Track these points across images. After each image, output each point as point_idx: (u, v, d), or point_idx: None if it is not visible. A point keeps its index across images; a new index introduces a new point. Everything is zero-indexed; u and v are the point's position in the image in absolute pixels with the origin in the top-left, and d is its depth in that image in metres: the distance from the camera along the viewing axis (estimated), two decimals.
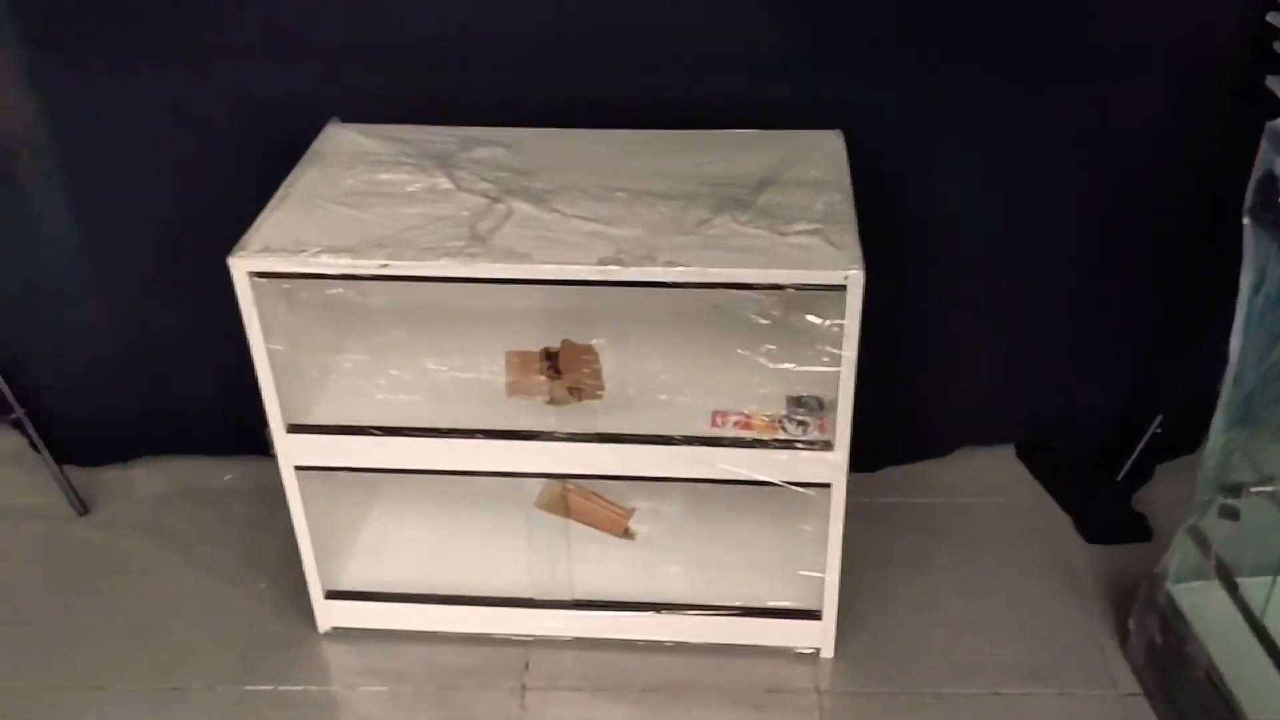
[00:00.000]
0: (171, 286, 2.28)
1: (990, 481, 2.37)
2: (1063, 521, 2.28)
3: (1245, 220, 1.52)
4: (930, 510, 2.31)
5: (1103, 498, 2.26)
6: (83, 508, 2.37)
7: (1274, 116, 1.49)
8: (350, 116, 2.05)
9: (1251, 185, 1.50)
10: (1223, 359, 2.12)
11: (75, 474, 2.40)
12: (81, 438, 2.45)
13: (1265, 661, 1.61)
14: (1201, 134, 1.99)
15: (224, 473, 2.44)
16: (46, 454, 2.34)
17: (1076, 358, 2.28)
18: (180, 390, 2.42)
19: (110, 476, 2.47)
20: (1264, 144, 1.47)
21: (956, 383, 2.31)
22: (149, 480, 2.46)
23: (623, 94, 2.02)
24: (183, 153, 2.15)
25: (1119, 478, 2.25)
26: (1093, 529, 2.23)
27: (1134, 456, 2.22)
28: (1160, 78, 1.95)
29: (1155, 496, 2.29)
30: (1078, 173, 2.06)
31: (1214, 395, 2.17)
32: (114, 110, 2.10)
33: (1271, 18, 1.67)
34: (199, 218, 2.20)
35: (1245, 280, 1.55)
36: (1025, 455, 2.40)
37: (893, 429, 2.10)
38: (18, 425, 2.37)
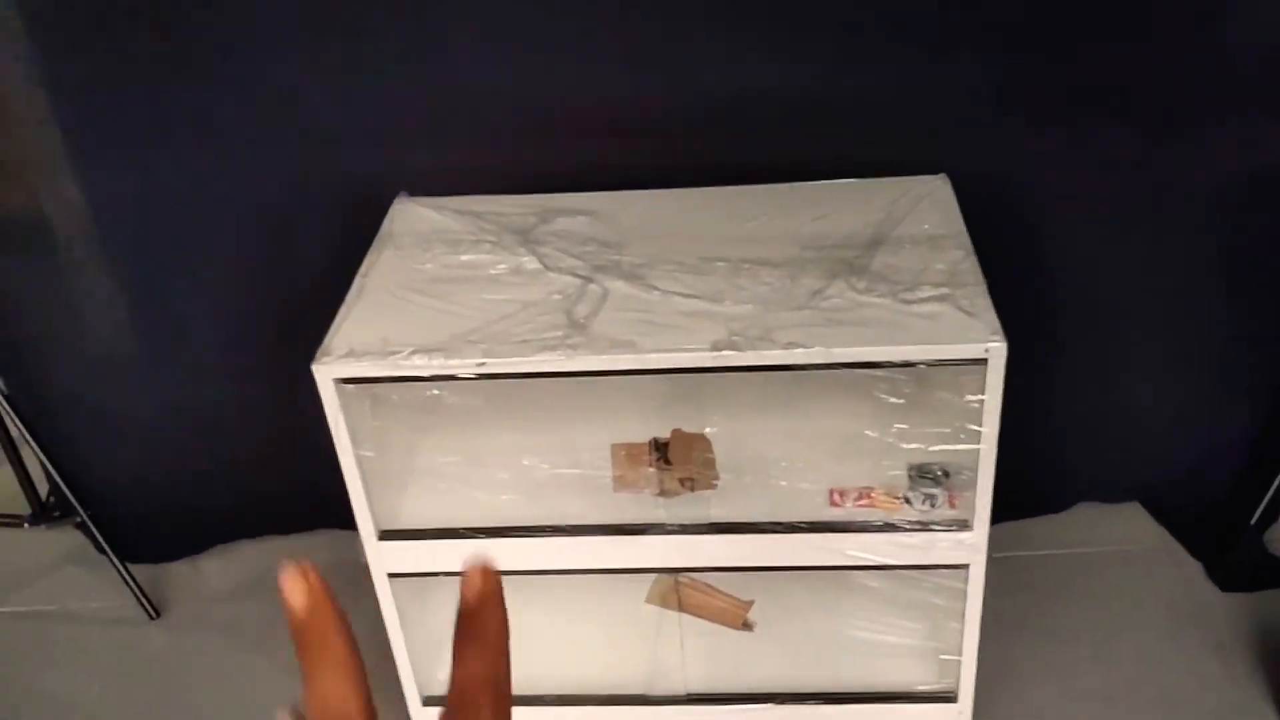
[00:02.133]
0: (235, 374, 2.17)
1: (1116, 533, 2.23)
2: (1193, 569, 2.15)
3: None
4: (1052, 563, 2.18)
5: (1235, 542, 2.12)
6: (155, 611, 2.25)
7: None
8: (418, 190, 1.93)
9: None
10: None
11: (143, 571, 2.29)
12: (146, 533, 2.34)
13: None
14: None
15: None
16: (114, 558, 2.22)
17: (1204, 407, 2.13)
18: (248, 472, 2.31)
19: (179, 570, 2.36)
20: None
21: (1076, 438, 2.16)
22: (221, 574, 2.35)
23: (699, 151, 1.89)
24: (245, 234, 2.04)
25: (1253, 521, 2.11)
26: (1228, 576, 2.09)
27: (1269, 496, 2.07)
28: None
29: None
30: (1199, 222, 1.92)
31: None
32: (168, 193, 1.99)
33: None
34: (265, 302, 2.10)
35: None
36: (1149, 503, 2.25)
37: (1009, 486, 1.96)
38: (82, 528, 2.26)
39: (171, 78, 1.87)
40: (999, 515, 2.20)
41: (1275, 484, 2.08)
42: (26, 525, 2.34)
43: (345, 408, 1.59)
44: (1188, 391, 2.12)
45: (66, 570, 2.39)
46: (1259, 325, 2.04)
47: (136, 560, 2.30)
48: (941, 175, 1.84)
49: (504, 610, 0.48)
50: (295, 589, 0.45)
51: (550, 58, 1.86)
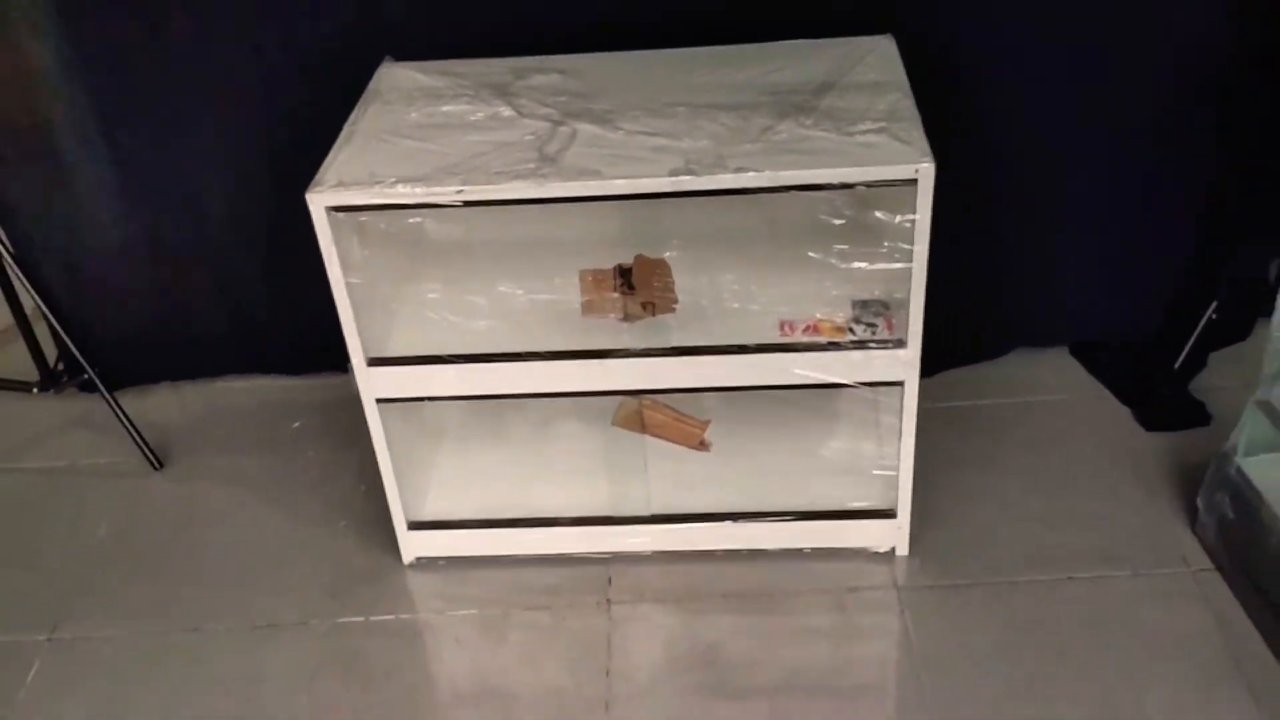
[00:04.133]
0: (230, 227, 2.34)
1: (1048, 381, 2.41)
2: (1122, 414, 2.32)
3: None
4: (992, 411, 2.35)
5: (1160, 387, 2.30)
6: (158, 462, 2.41)
7: None
8: (402, 55, 2.08)
9: None
10: (1272, 245, 2.16)
11: (138, 410, 2.46)
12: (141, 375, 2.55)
13: None
14: (1247, 23, 2.00)
15: (294, 409, 2.50)
16: (118, 408, 2.38)
17: (1129, 256, 2.31)
18: (245, 317, 2.52)
19: (181, 425, 2.52)
20: None
21: (1010, 285, 2.34)
22: (219, 426, 2.51)
23: (667, 13, 2.04)
24: (238, 97, 2.19)
25: (1175, 367, 2.29)
26: (1153, 418, 2.27)
27: (1190, 344, 2.25)
28: None
29: (1211, 384, 2.33)
30: (1126, 71, 2.08)
31: (1263, 282, 2.21)
32: (157, 58, 2.15)
33: None
34: (260, 154, 2.25)
35: None
36: (1080, 354, 2.43)
37: (947, 333, 2.12)
38: (89, 385, 2.42)
39: None
40: (940, 364, 2.40)
41: (1195, 332, 2.25)
42: (35, 391, 2.50)
43: (336, 237, 1.75)
44: (1114, 243, 2.29)
45: (74, 432, 2.54)
46: (1185, 178, 2.21)
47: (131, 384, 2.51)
48: (888, 35, 2.00)
49: None
50: None
51: None
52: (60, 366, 2.52)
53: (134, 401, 2.48)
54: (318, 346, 2.39)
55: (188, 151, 2.28)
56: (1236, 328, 2.29)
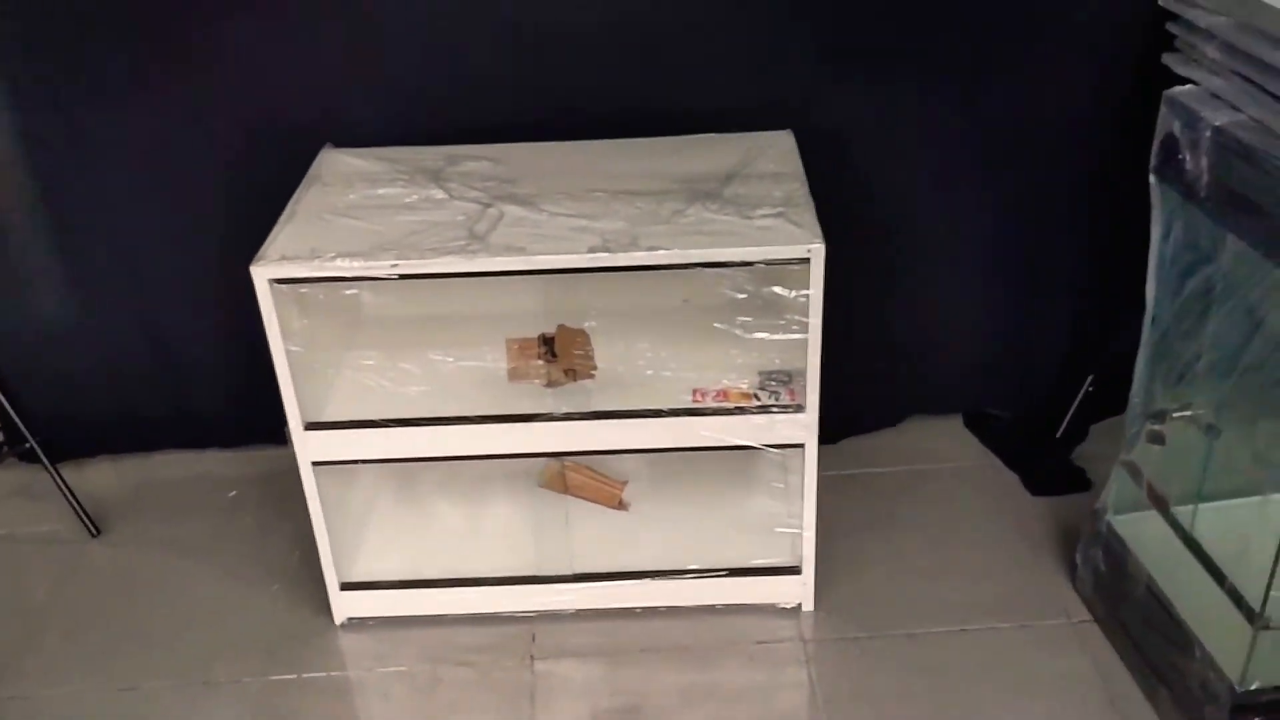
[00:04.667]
0: (171, 304, 2.46)
1: (941, 448, 2.59)
2: (1010, 480, 2.50)
3: (1151, 178, 1.76)
4: (890, 478, 2.52)
5: (1045, 455, 2.48)
6: (95, 529, 2.49)
7: (1170, 87, 1.73)
8: (341, 142, 2.24)
9: (1155, 147, 1.74)
10: (1139, 324, 2.36)
11: (76, 480, 2.53)
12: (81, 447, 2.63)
13: (1196, 568, 1.83)
14: (1113, 114, 2.24)
15: (229, 480, 2.59)
16: (57, 475, 2.46)
17: (1014, 331, 2.52)
18: (185, 390, 2.61)
19: (118, 495, 2.59)
20: (1163, 109, 1.71)
21: (905, 359, 2.53)
22: (157, 496, 2.59)
23: (591, 109, 2.23)
24: (184, 180, 2.33)
25: (1058, 435, 2.48)
26: (1037, 483, 2.45)
27: (1070, 414, 2.45)
28: (1074, 66, 2.21)
29: (1091, 452, 2.52)
30: (1007, 160, 2.31)
31: (1134, 357, 2.41)
32: (110, 140, 2.28)
33: (1164, 2, 1.89)
34: (207, 234, 2.38)
35: (1155, 231, 1.78)
36: (971, 424, 2.62)
37: (848, 403, 2.29)
38: (29, 455, 2.49)
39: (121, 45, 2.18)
40: (842, 432, 2.56)
41: (1075, 403, 2.45)
42: None
43: (278, 307, 1.88)
44: (999, 318, 2.49)
45: (12, 501, 2.61)
46: (1062, 262, 2.42)
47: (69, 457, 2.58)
48: (787, 130, 2.20)
49: None
50: None
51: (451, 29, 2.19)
52: None
53: (72, 473, 2.55)
54: (254, 420, 2.52)
55: (131, 230, 2.40)
56: (1112, 401, 2.49)
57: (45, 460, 2.45)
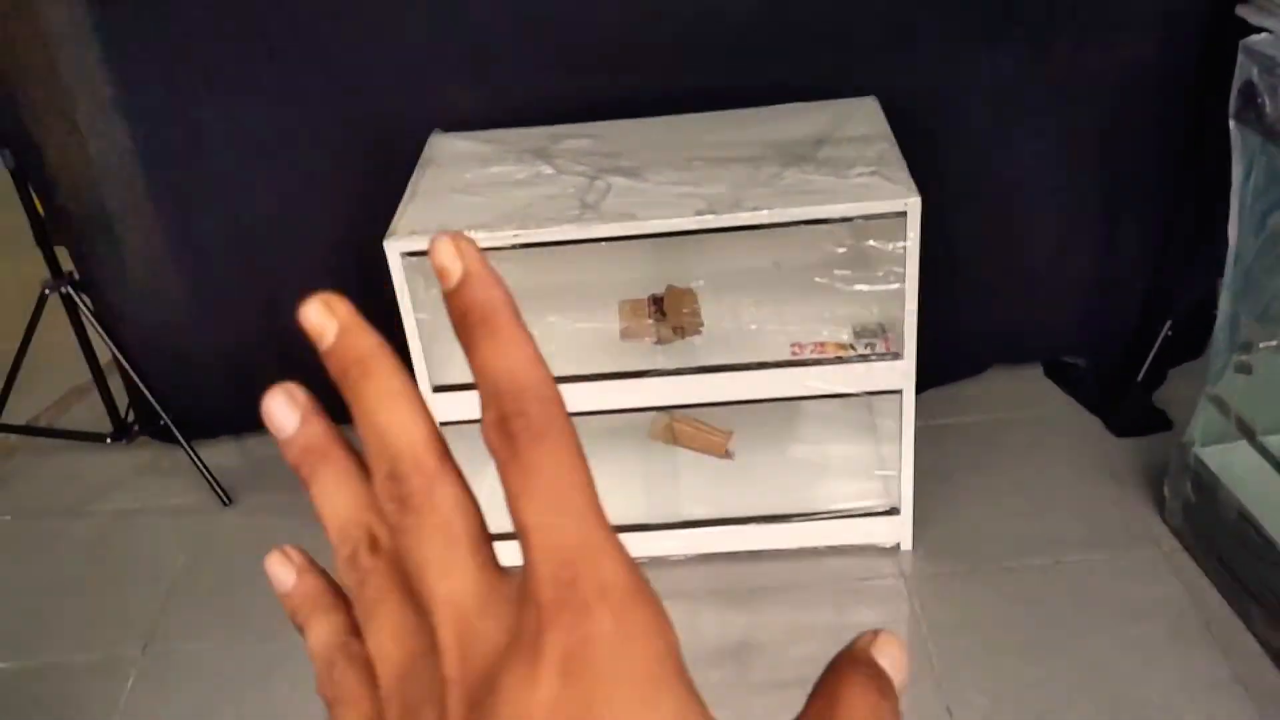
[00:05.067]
0: (288, 289, 2.59)
1: (1024, 397, 2.69)
2: (1093, 424, 2.60)
3: (1231, 123, 1.86)
4: (976, 426, 2.63)
5: (1126, 398, 2.58)
6: (228, 499, 2.65)
7: (1246, 36, 1.82)
8: (448, 128, 2.38)
9: (1234, 93, 1.83)
10: (1216, 270, 2.46)
11: (206, 458, 2.69)
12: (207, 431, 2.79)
13: None
14: (1185, 64, 2.33)
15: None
16: (190, 449, 2.63)
17: (1092, 281, 2.62)
18: (300, 371, 2.72)
19: (244, 470, 2.76)
20: (1240, 58, 1.81)
21: (986, 310, 2.64)
22: (280, 469, 2.74)
23: (683, 85, 2.35)
24: (296, 168, 2.48)
25: (1139, 380, 2.57)
26: (1121, 425, 2.55)
27: (1150, 358, 2.54)
28: (1147, 17, 2.30)
29: (1170, 396, 2.61)
30: (1085, 112, 2.40)
31: (1211, 304, 2.51)
32: (225, 134, 2.43)
33: None
34: (320, 220, 2.52)
35: (1237, 173, 1.88)
36: (1051, 372, 2.72)
37: (933, 355, 2.40)
38: (160, 433, 2.66)
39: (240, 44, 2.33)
40: (928, 383, 2.67)
41: (1155, 346, 2.55)
42: (109, 441, 2.75)
43: (408, 279, 2.02)
44: (1079, 264, 2.59)
45: (146, 477, 2.78)
46: (1139, 210, 2.52)
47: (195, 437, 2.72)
48: (872, 96, 2.31)
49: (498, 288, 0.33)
50: (322, 320, 0.35)
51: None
52: (130, 418, 2.77)
53: (199, 450, 2.71)
54: None
55: (248, 219, 2.55)
56: (1190, 345, 2.59)
57: (179, 435, 2.62)
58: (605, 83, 2.38)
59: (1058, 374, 2.72)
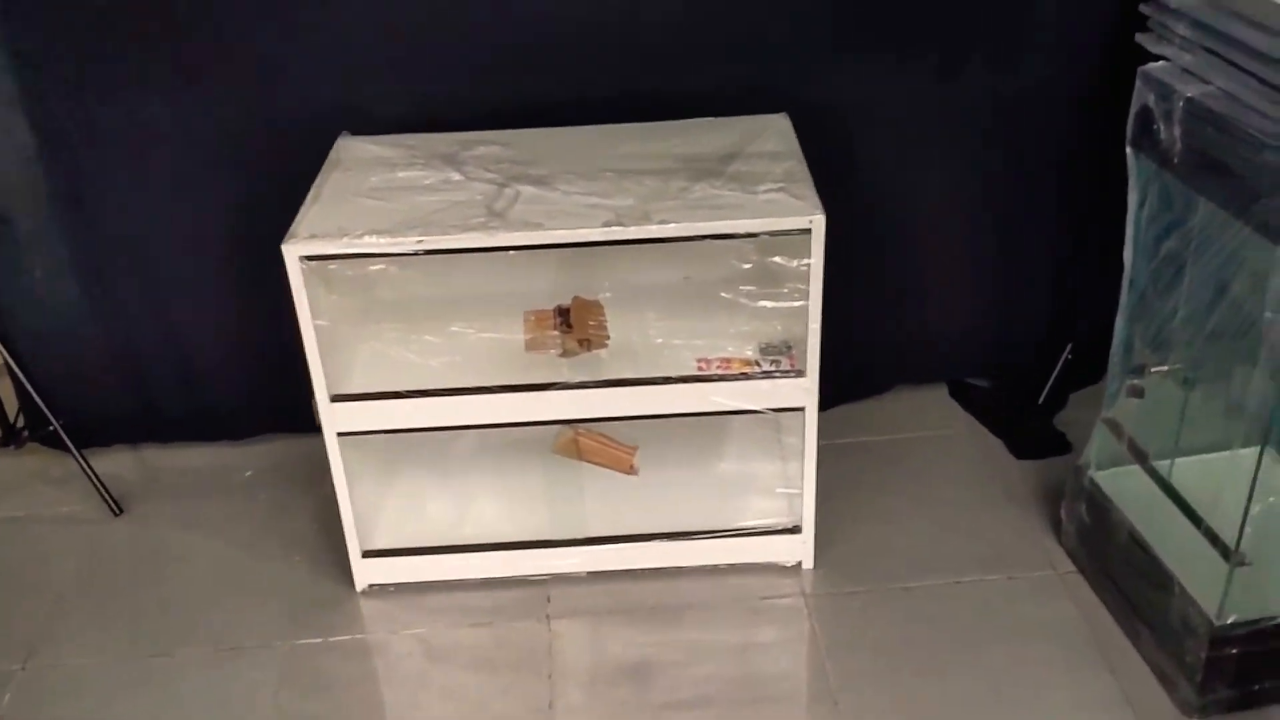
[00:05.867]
0: (186, 289, 2.54)
1: (928, 416, 2.72)
2: (994, 445, 2.63)
3: (1128, 150, 1.89)
4: (880, 445, 2.65)
5: (1027, 421, 2.62)
6: (118, 509, 2.57)
7: (1144, 63, 1.86)
8: (355, 131, 2.34)
9: (1131, 120, 1.87)
10: (1117, 295, 2.51)
11: (98, 467, 2.61)
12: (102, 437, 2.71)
13: (1174, 515, 1.96)
14: (1088, 91, 2.37)
15: (244, 465, 2.68)
16: (80, 457, 2.54)
17: (996, 303, 2.65)
18: (200, 383, 2.68)
19: (137, 479, 2.68)
20: (1138, 84, 1.84)
21: (891, 330, 2.66)
22: (175, 478, 2.68)
23: (597, 94, 2.34)
24: (198, 171, 2.41)
25: (1040, 402, 2.61)
26: (1021, 447, 2.59)
27: (1051, 381, 2.58)
28: (1049, 46, 2.35)
29: (1070, 419, 2.65)
30: (991, 136, 2.44)
31: (1110, 327, 2.55)
32: (123, 133, 2.37)
33: None
34: (232, 222, 2.46)
35: (1132, 199, 1.92)
36: (956, 393, 2.75)
37: (838, 372, 2.41)
38: (50, 439, 2.57)
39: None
40: (833, 400, 2.68)
41: (1055, 371, 2.59)
42: None
43: (307, 284, 1.98)
44: (984, 285, 2.63)
45: (34, 485, 2.69)
46: (1040, 229, 2.56)
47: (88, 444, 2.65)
48: (782, 113, 2.32)
49: None
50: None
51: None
52: (20, 423, 2.67)
53: (91, 458, 2.63)
54: (265, 412, 2.61)
55: (146, 221, 2.48)
56: (1093, 369, 2.63)
57: (68, 442, 2.53)
58: (520, 90, 2.36)
59: (962, 395, 2.75)
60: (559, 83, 2.35)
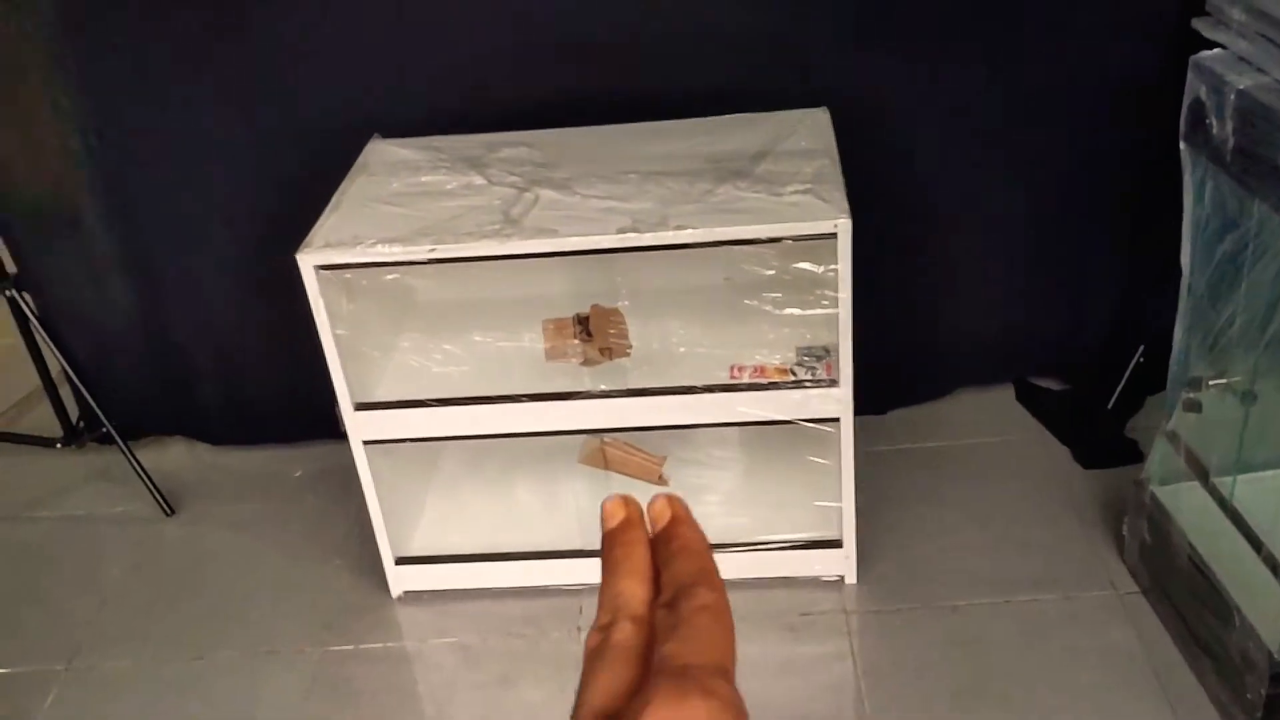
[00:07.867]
0: (229, 293, 2.55)
1: (991, 421, 2.58)
2: (1061, 453, 2.48)
3: (1181, 144, 1.74)
4: (938, 451, 2.52)
5: (1096, 427, 2.46)
6: (169, 509, 2.61)
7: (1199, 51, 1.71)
8: (388, 133, 2.30)
9: (1183, 112, 1.72)
10: None
11: (148, 456, 2.65)
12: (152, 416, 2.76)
13: (1236, 537, 1.81)
14: (1150, 80, 2.20)
15: (294, 467, 2.69)
16: (133, 459, 2.58)
17: (1065, 301, 2.50)
18: (245, 388, 2.69)
19: (192, 475, 2.71)
20: (1190, 75, 1.69)
21: (954, 330, 2.52)
22: (227, 478, 2.71)
23: (626, 92, 2.26)
24: (247, 174, 2.41)
25: (1110, 407, 2.45)
26: (1088, 456, 2.43)
27: (1121, 385, 2.42)
28: (1106, 32, 2.18)
29: (1146, 424, 2.48)
30: (1050, 126, 2.29)
31: None
32: (165, 139, 2.38)
33: None
34: (262, 227, 2.46)
35: (1187, 198, 1.76)
36: (1023, 396, 2.60)
37: (896, 374, 2.31)
38: (106, 439, 2.62)
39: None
40: (890, 403, 2.56)
41: (1126, 374, 2.42)
42: (59, 446, 2.71)
43: (324, 293, 1.95)
44: (1048, 286, 2.47)
45: (93, 484, 2.74)
46: (1110, 224, 2.39)
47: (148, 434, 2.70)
48: (823, 108, 2.21)
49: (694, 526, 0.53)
50: (616, 511, 0.53)
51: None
52: (81, 424, 2.73)
53: (149, 454, 2.68)
54: (314, 414, 2.60)
55: (186, 222, 2.48)
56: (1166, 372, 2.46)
57: (122, 443, 2.57)
58: (556, 88, 2.30)
59: (1029, 399, 2.60)
60: (600, 80, 2.28)
